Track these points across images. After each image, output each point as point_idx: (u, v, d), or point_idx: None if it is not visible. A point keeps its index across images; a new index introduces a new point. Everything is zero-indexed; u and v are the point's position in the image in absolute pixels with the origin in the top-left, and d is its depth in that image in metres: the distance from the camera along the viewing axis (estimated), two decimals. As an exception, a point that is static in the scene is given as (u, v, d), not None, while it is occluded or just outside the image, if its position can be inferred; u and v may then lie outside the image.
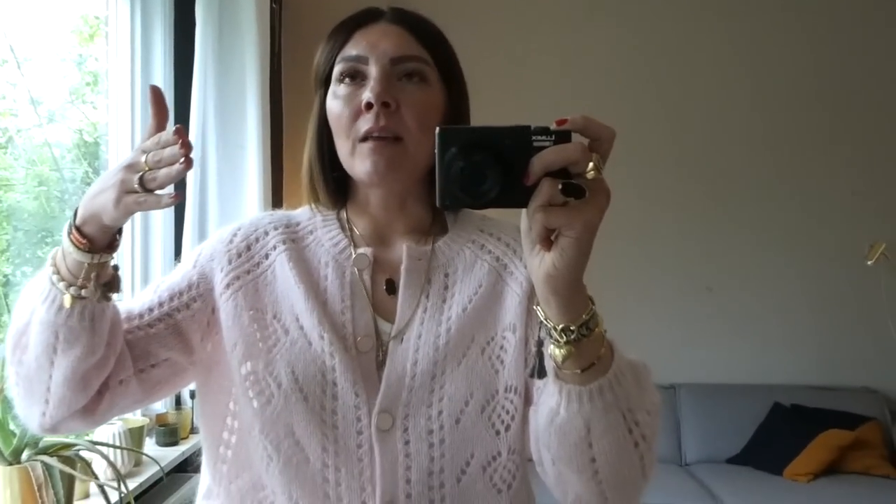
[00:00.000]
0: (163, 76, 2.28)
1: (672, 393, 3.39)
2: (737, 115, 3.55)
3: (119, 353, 0.82)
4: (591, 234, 0.62)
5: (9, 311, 0.81)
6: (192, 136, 2.18)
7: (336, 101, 0.85)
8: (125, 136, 2.23)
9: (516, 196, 0.62)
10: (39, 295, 0.76)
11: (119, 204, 0.72)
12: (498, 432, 0.82)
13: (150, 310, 0.86)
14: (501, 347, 0.85)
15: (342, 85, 0.85)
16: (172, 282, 0.88)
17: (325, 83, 0.88)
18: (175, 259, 2.25)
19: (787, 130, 3.54)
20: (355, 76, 0.84)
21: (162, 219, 2.29)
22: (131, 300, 0.89)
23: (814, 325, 3.52)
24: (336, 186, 0.90)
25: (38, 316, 0.76)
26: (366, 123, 0.82)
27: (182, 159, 0.70)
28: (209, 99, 2.21)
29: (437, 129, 0.63)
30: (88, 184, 2.27)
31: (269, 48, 2.39)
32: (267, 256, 0.89)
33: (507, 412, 0.83)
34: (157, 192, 0.72)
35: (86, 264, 0.74)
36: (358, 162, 0.83)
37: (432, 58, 0.86)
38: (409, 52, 0.84)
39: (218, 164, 2.22)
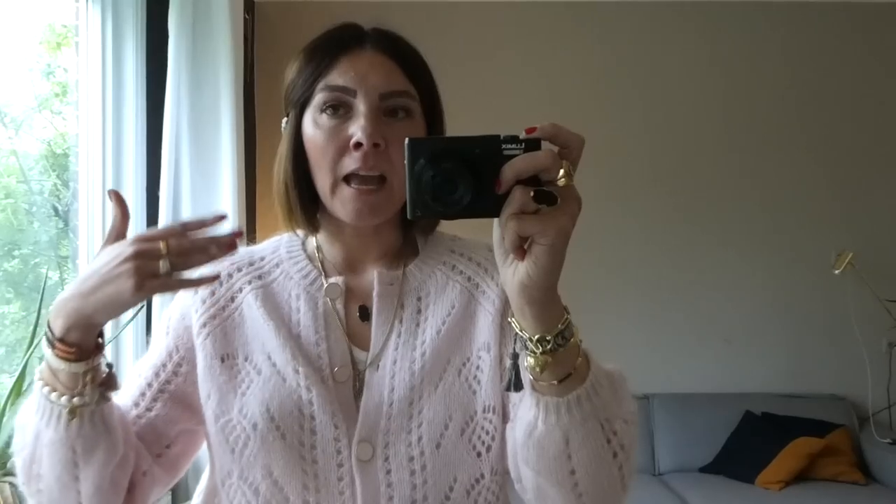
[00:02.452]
0: (134, 87, 2.25)
1: (646, 403, 3.40)
2: (706, 126, 3.60)
3: (134, 446, 0.81)
4: (564, 241, 0.62)
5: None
6: (166, 149, 2.15)
7: (318, 132, 0.82)
8: (96, 147, 2.20)
9: (488, 205, 0.62)
10: (38, 418, 0.74)
11: (141, 290, 0.69)
12: (479, 454, 0.82)
13: (143, 394, 0.85)
14: (477, 367, 0.84)
15: (324, 115, 0.82)
16: (152, 360, 0.87)
17: (302, 104, 0.84)
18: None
19: (756, 141, 3.60)
20: (339, 108, 0.82)
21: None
22: (118, 395, 0.87)
23: (782, 333, 3.57)
24: (310, 212, 0.88)
25: (45, 439, 0.74)
26: (353, 163, 0.80)
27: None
28: (182, 111, 2.18)
29: (406, 140, 0.63)
30: (57, 196, 2.23)
31: (242, 59, 2.37)
32: (233, 299, 0.88)
33: (487, 433, 0.82)
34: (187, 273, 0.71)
35: (81, 373, 0.72)
36: (339, 204, 0.82)
37: (417, 90, 0.84)
38: (397, 87, 0.82)
39: (192, 177, 2.19)
